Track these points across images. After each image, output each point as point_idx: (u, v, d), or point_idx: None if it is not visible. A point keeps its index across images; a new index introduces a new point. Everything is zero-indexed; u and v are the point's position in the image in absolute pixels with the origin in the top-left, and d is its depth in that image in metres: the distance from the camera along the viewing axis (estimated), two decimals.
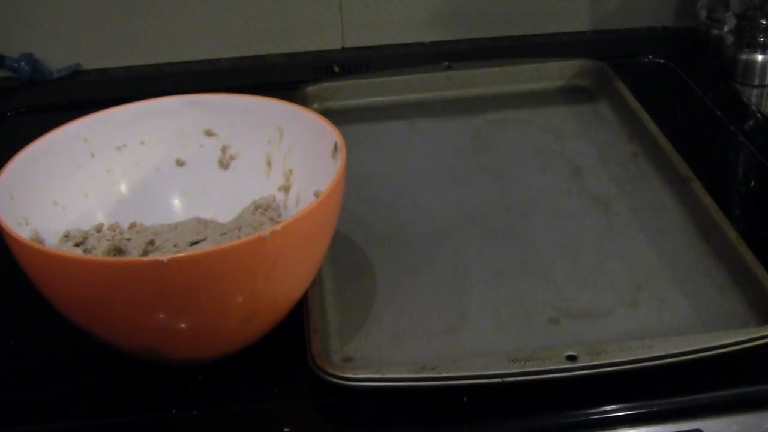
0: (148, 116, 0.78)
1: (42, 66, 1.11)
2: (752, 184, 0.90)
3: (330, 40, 1.16)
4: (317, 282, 0.73)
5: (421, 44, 1.17)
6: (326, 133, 0.73)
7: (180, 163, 0.79)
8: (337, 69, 1.10)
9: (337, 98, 1.03)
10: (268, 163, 0.78)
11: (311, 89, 1.03)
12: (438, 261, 0.79)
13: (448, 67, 1.05)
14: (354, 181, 0.90)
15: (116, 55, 1.13)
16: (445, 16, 1.16)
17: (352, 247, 0.81)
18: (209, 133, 0.79)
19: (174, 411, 0.65)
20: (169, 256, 0.58)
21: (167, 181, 0.79)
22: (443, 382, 0.63)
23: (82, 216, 0.74)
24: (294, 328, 0.69)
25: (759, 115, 0.99)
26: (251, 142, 0.78)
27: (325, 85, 1.04)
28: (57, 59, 1.12)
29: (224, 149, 0.79)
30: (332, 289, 0.76)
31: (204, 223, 0.76)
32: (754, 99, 1.02)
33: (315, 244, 0.67)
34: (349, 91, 1.04)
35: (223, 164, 0.79)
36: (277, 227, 0.61)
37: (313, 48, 1.16)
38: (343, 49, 1.17)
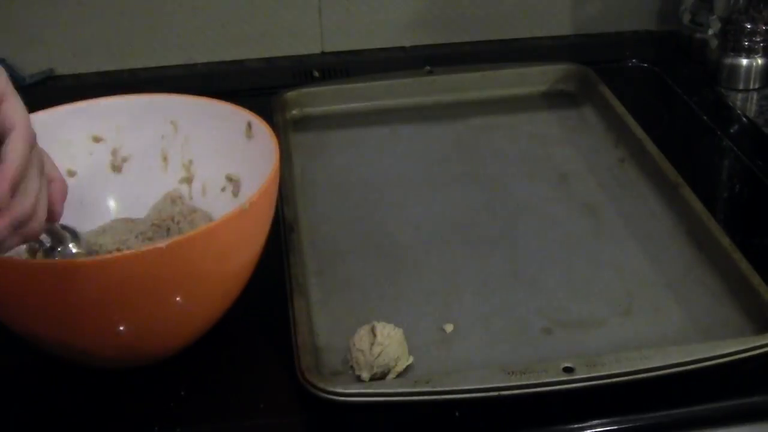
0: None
1: (14, 71, 1.08)
2: (742, 189, 0.89)
3: (309, 45, 1.14)
4: (303, 294, 0.71)
5: (402, 49, 1.16)
6: (234, 115, 0.73)
7: (71, 173, 0.76)
8: (317, 74, 1.09)
9: (317, 104, 1.02)
10: (164, 159, 0.78)
11: (291, 94, 1.01)
12: (425, 270, 0.77)
13: (430, 72, 1.04)
14: (336, 188, 0.88)
15: (90, 60, 1.11)
16: (426, 20, 1.14)
17: (336, 256, 0.79)
18: (97, 139, 0.77)
19: (156, 428, 0.63)
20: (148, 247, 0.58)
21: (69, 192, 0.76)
22: (438, 396, 0.61)
23: None
24: (280, 341, 0.67)
25: (745, 119, 0.98)
26: (142, 141, 0.77)
27: (305, 90, 1.02)
28: (30, 64, 1.09)
29: (114, 152, 0.78)
30: (318, 300, 0.74)
31: (132, 222, 0.75)
32: (738, 103, 1.02)
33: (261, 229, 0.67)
34: (329, 96, 1.02)
35: (116, 167, 0.78)
36: (245, 205, 0.61)
37: (292, 53, 1.14)
38: (323, 53, 1.15)
